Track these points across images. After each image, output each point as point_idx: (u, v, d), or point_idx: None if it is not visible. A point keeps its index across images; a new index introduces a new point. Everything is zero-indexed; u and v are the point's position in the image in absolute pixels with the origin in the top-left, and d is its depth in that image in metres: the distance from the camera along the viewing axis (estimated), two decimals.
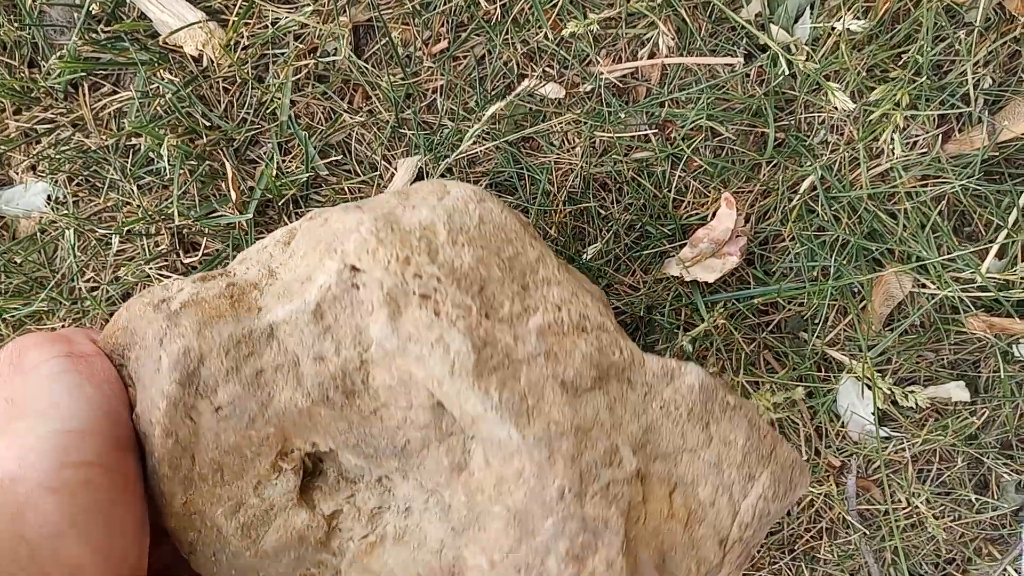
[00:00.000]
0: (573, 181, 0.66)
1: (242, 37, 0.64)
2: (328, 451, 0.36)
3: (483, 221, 0.37)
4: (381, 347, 0.33)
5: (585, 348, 0.36)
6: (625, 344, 0.37)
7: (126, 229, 0.65)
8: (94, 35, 0.64)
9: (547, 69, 0.65)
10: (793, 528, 0.73)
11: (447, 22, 0.64)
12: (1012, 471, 0.70)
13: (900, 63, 0.63)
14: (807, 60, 0.61)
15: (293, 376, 0.34)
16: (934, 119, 0.65)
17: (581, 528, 0.33)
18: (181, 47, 0.63)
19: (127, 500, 0.31)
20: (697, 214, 0.67)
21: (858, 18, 0.63)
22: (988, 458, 0.71)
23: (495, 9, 0.64)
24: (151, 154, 0.64)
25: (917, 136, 0.65)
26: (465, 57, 0.65)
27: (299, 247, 0.37)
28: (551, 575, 0.32)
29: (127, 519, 0.31)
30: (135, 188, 0.65)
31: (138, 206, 0.65)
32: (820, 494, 0.71)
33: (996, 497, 0.72)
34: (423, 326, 0.33)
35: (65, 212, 0.67)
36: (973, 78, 0.63)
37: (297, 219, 0.43)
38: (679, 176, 0.66)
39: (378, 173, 0.66)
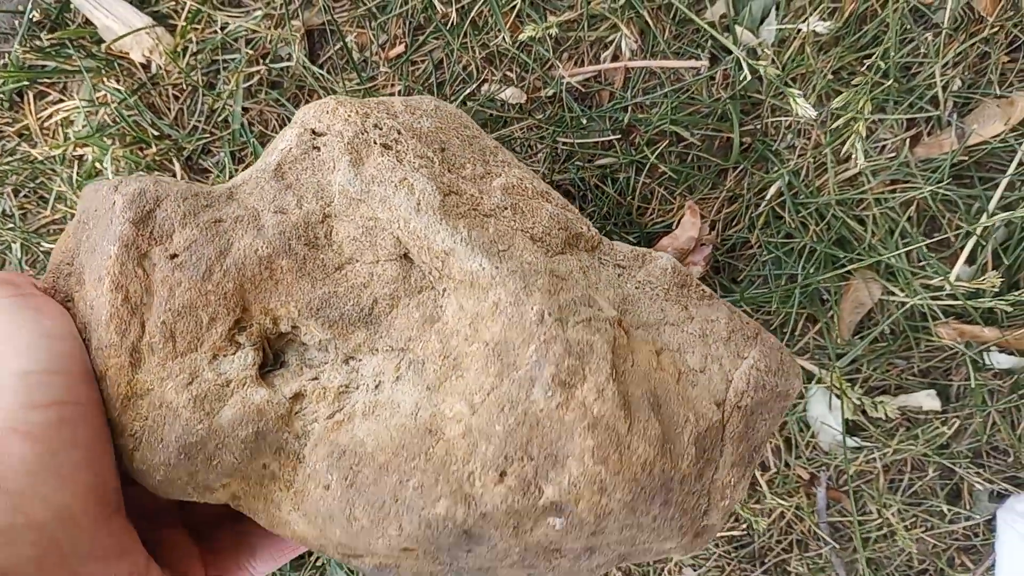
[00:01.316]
0: None
1: (191, 43, 0.62)
2: (290, 330, 0.33)
3: (439, 109, 0.37)
4: (345, 194, 0.33)
5: (551, 209, 0.35)
6: (590, 225, 0.37)
7: None
8: (38, 42, 0.61)
9: (507, 73, 0.63)
10: (764, 541, 0.72)
11: (404, 25, 0.63)
12: (984, 480, 0.69)
13: (866, 66, 0.62)
14: (771, 64, 0.60)
15: (254, 226, 0.32)
16: (902, 123, 0.64)
17: (565, 352, 0.30)
18: (128, 54, 0.61)
19: (102, 432, 0.30)
20: (663, 221, 0.65)
21: (824, 19, 0.61)
22: (960, 467, 0.70)
23: (452, 12, 0.62)
24: (98, 164, 0.62)
25: (885, 140, 0.64)
26: (423, 61, 0.63)
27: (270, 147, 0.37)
28: (538, 407, 0.30)
29: (105, 453, 0.30)
30: None
31: None
32: (791, 506, 0.70)
33: (968, 507, 0.70)
34: (386, 169, 0.33)
35: (11, 225, 0.65)
36: (941, 80, 0.62)
37: None
38: (644, 183, 0.65)
39: None
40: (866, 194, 0.63)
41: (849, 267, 0.63)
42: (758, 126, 0.64)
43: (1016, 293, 0.58)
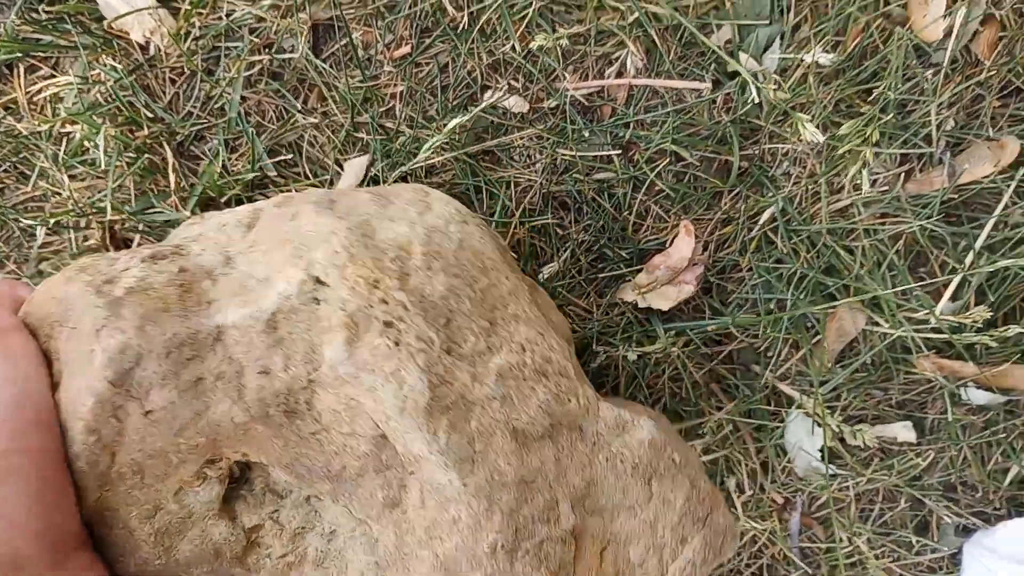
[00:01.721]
0: (532, 198, 0.64)
1: (193, 27, 0.60)
2: (258, 463, 0.33)
3: (462, 247, 0.35)
4: (333, 370, 0.31)
5: (542, 395, 0.35)
6: (583, 391, 0.36)
7: (53, 220, 0.61)
8: (35, 14, 0.60)
9: (512, 82, 0.63)
10: (734, 564, 0.72)
11: (411, 27, 0.62)
12: (953, 514, 0.70)
13: (869, 99, 0.63)
14: (777, 90, 0.60)
15: (234, 388, 0.31)
16: (896, 158, 0.65)
17: None
18: (127, 33, 0.60)
19: (57, 479, 0.29)
20: (656, 239, 0.66)
21: (827, 52, 0.62)
22: (930, 499, 0.71)
23: (462, 17, 0.61)
24: (87, 143, 0.60)
25: (878, 174, 0.65)
26: (428, 64, 0.63)
27: (261, 238, 0.34)
28: None
29: (59, 500, 0.29)
30: (66, 178, 0.61)
31: (68, 197, 0.61)
32: (764, 530, 0.70)
33: (935, 539, 0.71)
34: (381, 356, 0.31)
35: None
36: (936, 119, 0.63)
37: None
38: (640, 199, 0.65)
39: (328, 177, 0.64)
40: (857, 225, 0.64)
41: (840, 300, 0.64)
42: (755, 151, 0.65)
43: (1000, 329, 0.59)
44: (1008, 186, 0.63)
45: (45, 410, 0.29)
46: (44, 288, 0.32)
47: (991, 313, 0.59)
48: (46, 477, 0.28)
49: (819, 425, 0.67)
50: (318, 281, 0.32)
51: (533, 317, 0.36)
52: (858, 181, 0.60)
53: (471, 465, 0.32)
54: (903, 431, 0.69)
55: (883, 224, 0.65)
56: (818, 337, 0.67)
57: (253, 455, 0.33)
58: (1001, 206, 0.64)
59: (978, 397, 0.66)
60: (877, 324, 0.65)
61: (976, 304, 0.65)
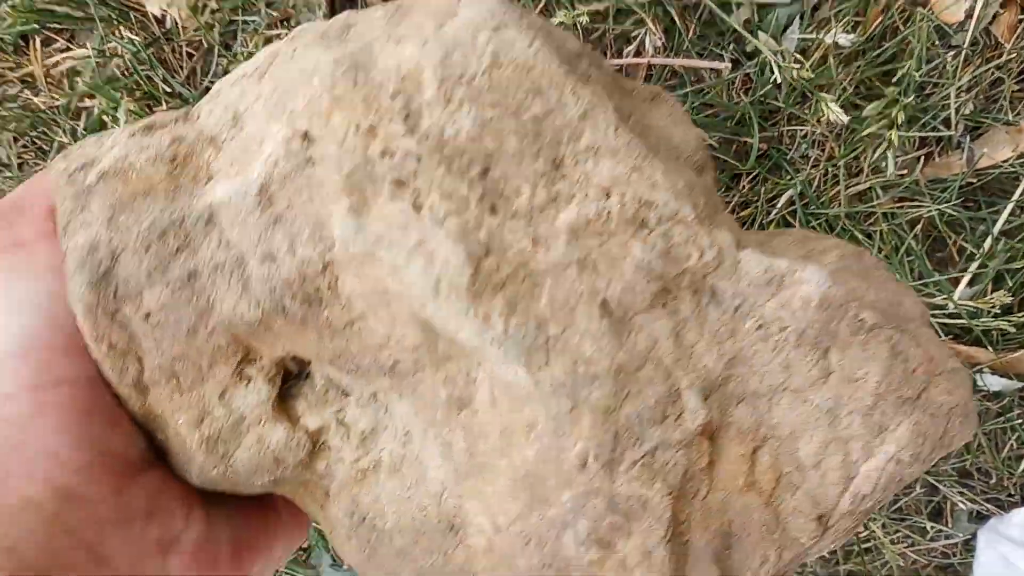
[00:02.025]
0: None
1: (210, 0, 0.60)
2: (307, 361, 0.29)
3: (498, 62, 0.26)
4: (346, 247, 0.25)
5: (640, 253, 0.26)
6: (711, 238, 0.27)
7: None
8: None
9: None
10: None
11: None
12: (967, 500, 0.70)
13: (891, 81, 0.63)
14: (800, 69, 0.60)
15: (237, 280, 0.26)
16: (915, 141, 0.65)
17: (608, 509, 0.26)
18: (143, 5, 0.59)
19: (99, 403, 0.27)
20: None
21: (847, 32, 0.62)
22: (944, 486, 0.71)
23: None
24: (105, 117, 0.60)
25: (897, 157, 0.65)
26: None
27: (266, 86, 0.28)
28: (567, 554, 0.26)
29: (110, 422, 0.27)
30: None
31: None
32: None
33: (950, 525, 0.71)
34: (397, 225, 0.25)
35: (8, 174, 0.62)
36: (956, 103, 0.63)
37: None
38: None
39: None
40: (876, 209, 0.64)
41: None
42: (774, 133, 0.65)
43: (1018, 315, 0.59)
44: None
45: (74, 333, 0.27)
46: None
47: (1010, 298, 0.59)
48: (87, 405, 0.26)
49: None
50: (306, 137, 0.26)
51: (621, 145, 0.27)
52: (881, 164, 0.60)
53: (544, 355, 0.26)
54: None
55: (901, 208, 0.64)
56: None
57: (296, 350, 0.28)
58: (1020, 191, 0.64)
59: (993, 383, 0.66)
60: None
61: (994, 290, 0.65)
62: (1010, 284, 0.64)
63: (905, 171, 0.65)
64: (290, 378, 0.29)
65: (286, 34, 0.57)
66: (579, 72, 0.27)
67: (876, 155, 0.62)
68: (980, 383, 0.67)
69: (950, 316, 0.63)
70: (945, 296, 0.63)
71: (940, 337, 0.64)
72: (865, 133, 0.62)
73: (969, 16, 0.61)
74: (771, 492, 0.27)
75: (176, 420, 0.27)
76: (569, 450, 0.26)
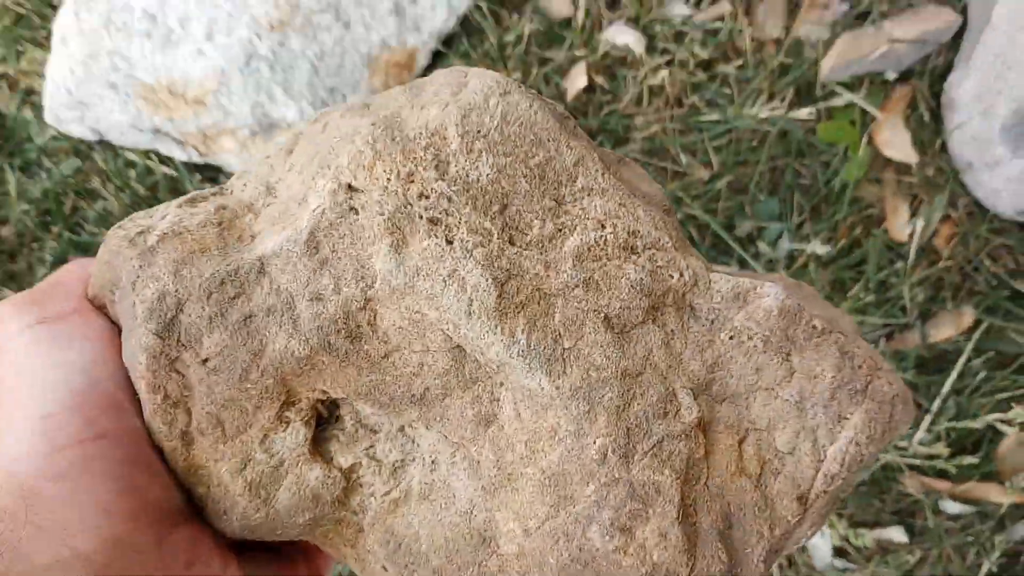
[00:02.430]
0: None
1: None
2: (341, 398, 0.32)
3: (506, 120, 0.30)
4: (386, 284, 0.29)
5: (634, 274, 0.30)
6: (686, 263, 0.31)
7: None
8: None
9: None
10: None
11: None
12: None
13: (858, 280, 0.84)
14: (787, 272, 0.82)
15: (288, 320, 0.29)
16: (880, 324, 0.85)
17: (628, 496, 0.29)
18: None
19: (142, 457, 0.29)
20: None
21: (823, 244, 0.84)
22: None
23: None
24: None
25: (866, 335, 0.85)
26: None
27: (298, 159, 0.32)
28: (594, 546, 0.29)
29: (151, 474, 0.29)
30: None
31: None
32: None
33: None
34: (433, 258, 0.28)
35: None
36: (909, 295, 0.84)
37: None
38: None
39: None
40: None
41: None
42: None
43: (960, 459, 0.78)
44: (966, 346, 0.84)
45: (119, 390, 0.29)
46: (99, 254, 0.31)
47: (949, 451, 0.79)
48: (130, 457, 0.28)
49: (829, 527, 0.86)
50: (350, 188, 0.29)
51: (609, 187, 0.32)
52: None
53: (561, 365, 0.29)
54: (897, 533, 0.87)
55: None
56: None
57: (330, 390, 0.31)
58: (961, 361, 0.84)
59: (951, 508, 0.85)
60: None
61: (948, 435, 0.84)
62: (954, 436, 0.83)
63: (874, 344, 0.85)
64: (321, 422, 0.32)
65: None
66: (568, 129, 0.31)
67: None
68: (943, 508, 0.86)
69: (913, 456, 0.83)
70: (906, 442, 0.83)
71: (905, 472, 0.84)
72: None
73: (912, 234, 0.83)
74: (758, 477, 0.31)
75: (219, 469, 0.30)
76: (590, 447, 0.29)
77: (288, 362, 0.29)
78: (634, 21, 0.83)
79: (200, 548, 0.30)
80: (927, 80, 0.83)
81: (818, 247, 0.83)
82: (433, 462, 0.32)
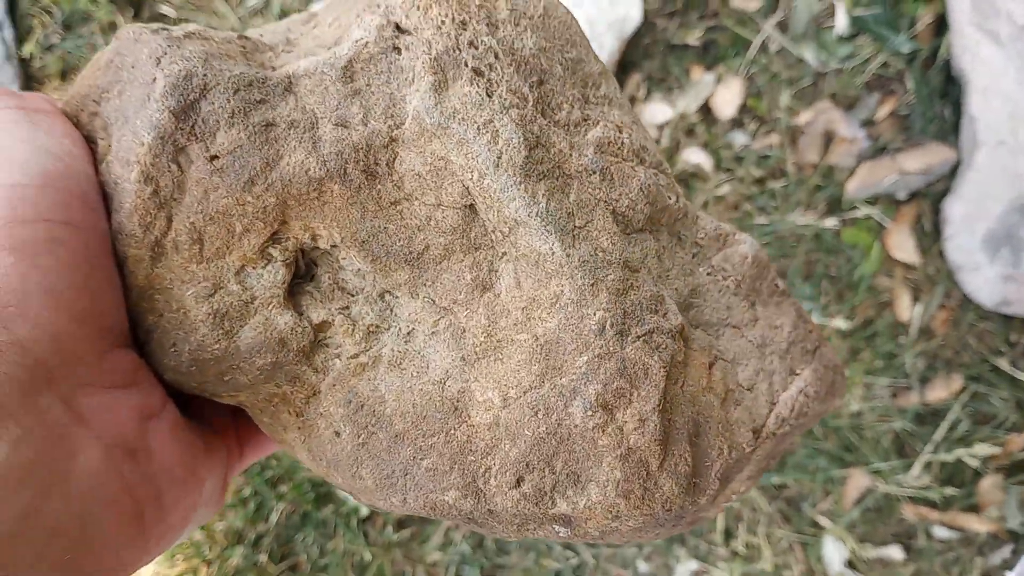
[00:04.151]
0: None
1: None
2: (329, 248, 0.30)
3: (548, 14, 0.31)
4: (418, 122, 0.28)
5: (644, 178, 0.31)
6: (681, 192, 0.33)
7: None
8: None
9: None
10: None
11: None
12: None
13: (870, 348, 1.09)
14: None
15: (309, 138, 0.28)
16: (888, 383, 1.10)
17: (618, 372, 0.28)
18: None
19: (104, 263, 0.27)
20: None
21: (845, 319, 1.09)
22: None
23: None
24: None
25: (878, 394, 1.10)
26: None
27: (326, 17, 0.32)
28: (573, 422, 0.28)
29: (106, 284, 0.26)
30: None
31: None
32: None
33: None
34: (472, 104, 0.28)
35: None
36: (911, 362, 1.09)
37: None
38: None
39: None
40: (863, 422, 1.09)
41: (852, 467, 1.09)
42: None
43: (947, 490, 1.02)
44: (955, 405, 1.08)
45: (90, 189, 0.27)
46: (84, 72, 0.30)
47: (937, 485, 1.03)
48: (92, 255, 0.26)
49: (842, 543, 1.10)
50: (398, 28, 0.28)
51: (626, 104, 0.33)
52: (868, 396, 1.06)
53: (572, 237, 0.28)
54: (896, 552, 1.11)
55: (879, 423, 1.09)
56: (840, 488, 1.11)
57: (324, 232, 0.30)
58: (950, 415, 1.08)
59: (940, 533, 1.09)
60: (877, 482, 1.09)
61: (941, 471, 1.08)
62: (942, 473, 1.07)
63: (880, 400, 1.10)
64: (298, 277, 0.31)
65: None
66: (593, 49, 0.33)
67: (863, 392, 1.07)
68: (934, 533, 1.10)
69: (910, 488, 1.07)
70: (903, 476, 1.07)
71: (901, 501, 1.08)
72: (854, 383, 1.08)
73: (913, 318, 1.08)
74: (723, 399, 0.31)
75: (184, 292, 0.28)
76: (590, 317, 0.28)
77: (299, 180, 0.28)
78: (705, 146, 1.11)
79: (141, 375, 0.28)
80: (929, 201, 1.09)
81: (840, 323, 1.08)
82: (409, 332, 0.31)
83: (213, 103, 0.27)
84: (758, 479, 0.34)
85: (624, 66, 1.10)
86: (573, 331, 0.28)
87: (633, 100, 1.11)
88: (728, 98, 1.10)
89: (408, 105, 0.28)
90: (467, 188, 0.28)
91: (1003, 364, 1.08)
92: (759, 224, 1.10)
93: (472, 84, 0.28)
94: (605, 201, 0.30)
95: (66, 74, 1.16)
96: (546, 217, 0.28)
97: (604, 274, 0.29)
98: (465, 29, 0.28)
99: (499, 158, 0.28)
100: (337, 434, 0.30)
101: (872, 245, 1.09)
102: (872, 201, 1.09)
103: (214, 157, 0.27)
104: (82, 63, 1.15)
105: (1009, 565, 1.09)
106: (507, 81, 0.28)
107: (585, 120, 0.31)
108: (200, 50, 0.27)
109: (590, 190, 0.29)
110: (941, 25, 1.07)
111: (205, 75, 0.27)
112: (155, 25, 0.28)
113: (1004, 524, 1.07)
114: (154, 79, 0.27)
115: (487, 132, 0.28)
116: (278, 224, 0.29)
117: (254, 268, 0.29)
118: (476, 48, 0.28)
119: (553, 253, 0.28)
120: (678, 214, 0.33)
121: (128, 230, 0.27)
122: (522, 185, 0.28)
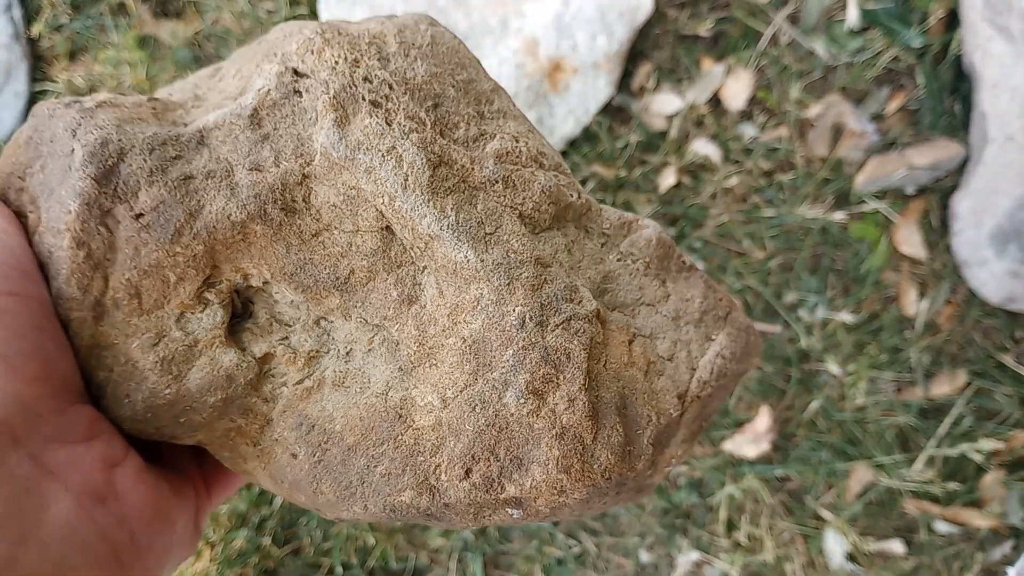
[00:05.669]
0: None
1: None
2: (261, 285, 0.32)
3: (436, 41, 0.33)
4: (327, 157, 0.29)
5: (544, 180, 0.33)
6: (581, 191, 0.35)
7: None
8: None
9: None
10: None
11: None
12: None
13: (874, 342, 1.09)
14: (817, 341, 1.07)
15: (227, 185, 0.29)
16: (893, 379, 1.10)
17: (543, 360, 0.30)
18: None
19: (50, 327, 0.27)
20: (747, 417, 1.12)
21: (850, 313, 1.09)
22: None
23: None
24: None
25: (881, 388, 1.10)
26: None
27: (229, 70, 0.33)
28: (509, 411, 0.30)
29: (57, 346, 0.27)
30: None
31: None
32: None
33: None
34: (374, 134, 0.29)
35: None
36: (916, 357, 1.09)
37: None
38: (737, 393, 1.11)
39: None
40: (867, 416, 1.09)
41: (855, 462, 1.09)
42: (807, 367, 1.11)
43: (947, 484, 1.02)
44: (959, 400, 1.08)
45: (27, 260, 0.27)
46: (6, 151, 0.31)
47: (940, 480, 1.03)
48: (39, 322, 0.27)
49: (843, 536, 1.10)
50: (296, 73, 0.30)
51: (519, 115, 0.35)
52: (871, 391, 1.06)
53: (484, 244, 0.30)
54: (897, 546, 1.11)
55: (883, 418, 1.09)
56: (843, 481, 1.11)
57: (255, 271, 0.31)
58: (954, 411, 1.08)
59: (940, 528, 1.09)
60: (880, 475, 1.09)
61: (943, 466, 1.09)
62: (946, 465, 1.08)
63: (884, 395, 1.10)
64: (235, 316, 0.32)
65: None
66: (483, 68, 0.35)
67: (867, 387, 1.08)
68: (934, 527, 1.10)
69: (913, 482, 1.07)
70: (907, 470, 1.07)
71: (905, 496, 1.08)
72: (854, 377, 1.08)
73: (919, 313, 1.08)
74: (646, 372, 0.33)
75: (130, 345, 0.29)
76: (510, 314, 0.30)
77: (223, 226, 0.29)
78: (714, 137, 1.11)
79: (101, 427, 0.29)
80: (937, 196, 1.09)
81: (846, 316, 1.09)
82: (348, 352, 0.32)
83: (131, 165, 0.28)
84: (693, 442, 0.36)
85: (634, 56, 1.10)
86: (497, 329, 0.30)
87: (643, 90, 1.11)
88: (738, 90, 1.10)
89: (315, 143, 0.30)
90: (381, 212, 0.30)
91: (1008, 360, 1.08)
92: (767, 216, 1.10)
93: (371, 116, 0.30)
94: (511, 206, 0.32)
95: (74, 54, 1.15)
96: (457, 228, 0.30)
97: (518, 273, 0.31)
98: (358, 66, 0.30)
99: (406, 180, 0.29)
100: (294, 456, 0.32)
101: (879, 239, 1.09)
102: (880, 195, 1.09)
103: (139, 215, 0.28)
104: (91, 43, 1.15)
105: (1010, 561, 1.09)
106: (404, 108, 0.30)
107: (482, 135, 0.33)
108: (112, 117, 0.29)
109: (495, 198, 0.32)
110: (952, 20, 1.07)
111: (120, 140, 0.28)
112: (67, 99, 0.29)
113: (1005, 520, 1.08)
114: (72, 150, 0.28)
115: (391, 158, 0.29)
116: (210, 269, 0.30)
117: (193, 313, 0.30)
118: (371, 82, 0.30)
119: (468, 260, 0.30)
120: (582, 209, 0.35)
121: (68, 294, 0.28)
122: (431, 202, 0.30)
